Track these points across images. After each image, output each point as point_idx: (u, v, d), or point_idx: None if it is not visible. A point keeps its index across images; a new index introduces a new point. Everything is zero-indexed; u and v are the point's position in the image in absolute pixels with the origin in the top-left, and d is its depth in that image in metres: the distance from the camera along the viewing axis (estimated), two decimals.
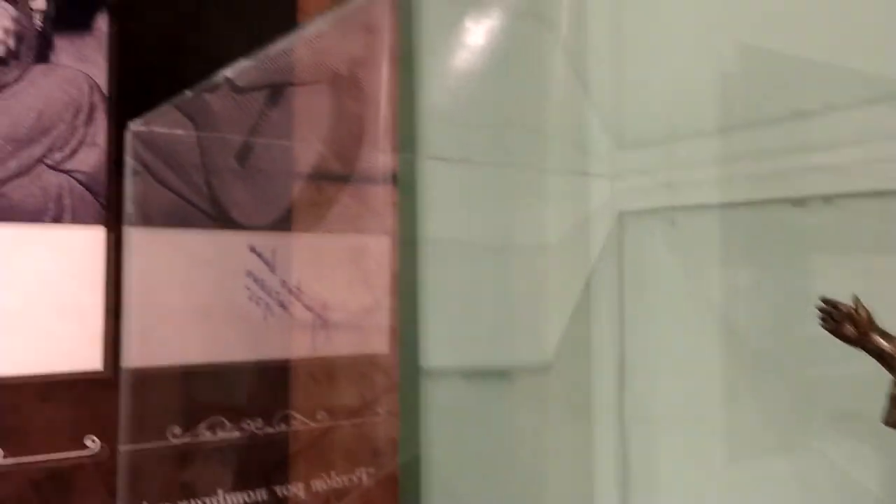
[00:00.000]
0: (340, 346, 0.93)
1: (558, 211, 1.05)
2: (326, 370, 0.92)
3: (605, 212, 1.01)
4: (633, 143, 1.00)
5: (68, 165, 0.79)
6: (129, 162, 0.70)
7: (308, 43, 0.91)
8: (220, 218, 0.87)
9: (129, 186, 0.73)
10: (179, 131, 0.79)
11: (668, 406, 0.95)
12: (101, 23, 0.82)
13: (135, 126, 0.71)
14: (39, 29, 0.79)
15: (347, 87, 0.96)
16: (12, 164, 0.76)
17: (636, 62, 1.00)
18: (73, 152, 0.79)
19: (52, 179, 0.78)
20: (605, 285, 1.02)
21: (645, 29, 0.99)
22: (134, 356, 0.78)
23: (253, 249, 0.89)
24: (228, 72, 0.74)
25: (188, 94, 0.72)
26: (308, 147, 0.94)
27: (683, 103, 0.92)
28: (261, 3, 0.91)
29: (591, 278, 1.03)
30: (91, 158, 0.80)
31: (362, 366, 0.94)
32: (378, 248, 0.97)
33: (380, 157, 0.97)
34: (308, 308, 0.91)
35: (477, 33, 0.99)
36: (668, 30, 0.96)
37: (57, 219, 0.78)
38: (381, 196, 0.98)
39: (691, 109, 0.91)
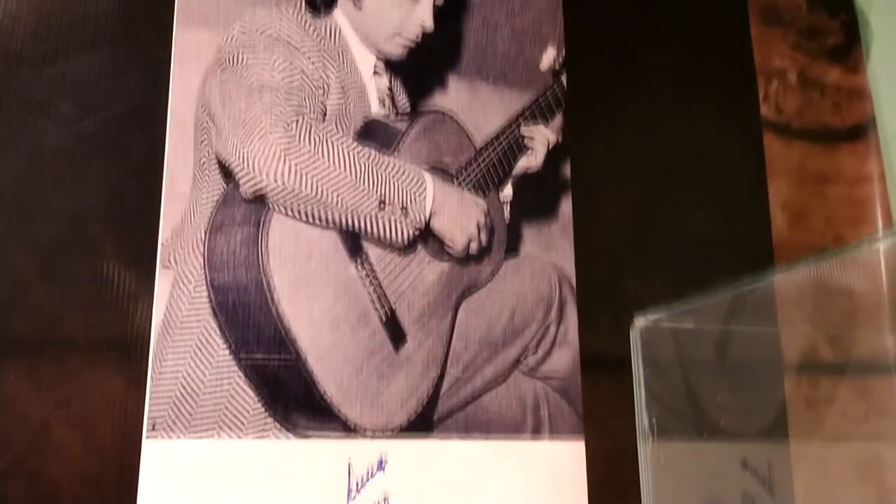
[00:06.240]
0: None
1: None
2: None
3: None
4: None
5: (543, 370, 0.69)
6: (638, 366, 0.59)
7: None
8: (704, 427, 0.72)
9: (640, 394, 0.61)
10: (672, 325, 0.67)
11: None
12: (566, 206, 0.74)
13: (641, 321, 0.60)
14: (508, 220, 0.72)
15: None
16: (488, 371, 0.68)
17: None
18: (547, 355, 0.70)
19: (528, 387, 0.69)
20: None
21: None
22: None
23: (746, 465, 0.72)
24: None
25: (686, 304, 0.60)
26: (795, 332, 0.77)
27: None
28: (732, 197, 0.78)
29: None
30: (564, 361, 0.70)
31: None
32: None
33: (885, 340, 0.77)
34: None
35: None
36: None
37: (536, 432, 0.68)
38: (887, 391, 0.77)
39: None
